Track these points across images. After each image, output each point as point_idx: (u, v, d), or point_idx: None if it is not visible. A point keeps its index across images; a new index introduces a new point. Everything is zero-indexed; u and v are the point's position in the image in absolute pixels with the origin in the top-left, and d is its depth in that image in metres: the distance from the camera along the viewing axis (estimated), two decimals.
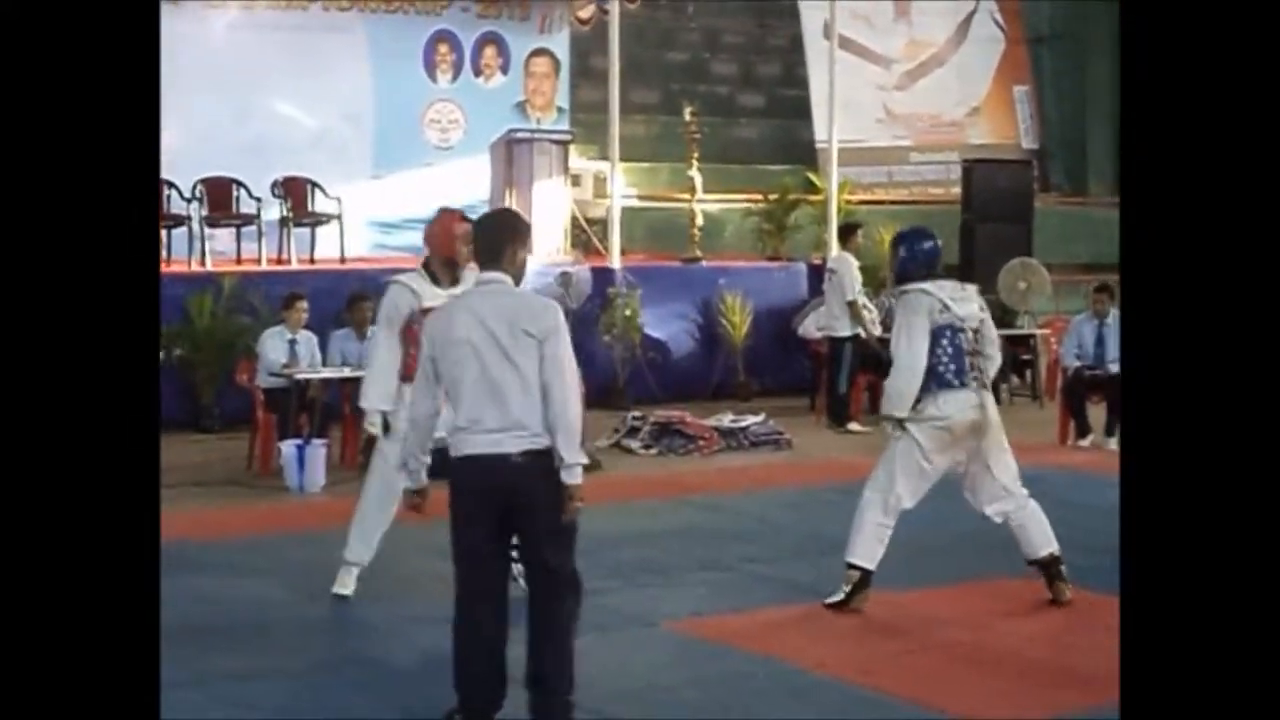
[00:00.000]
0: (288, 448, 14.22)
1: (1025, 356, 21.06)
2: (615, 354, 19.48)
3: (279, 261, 20.18)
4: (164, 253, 18.21)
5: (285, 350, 15.32)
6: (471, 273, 9.56)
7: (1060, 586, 9.77)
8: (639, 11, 23.62)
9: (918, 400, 9.57)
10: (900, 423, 9.63)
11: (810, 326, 20.07)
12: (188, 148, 19.90)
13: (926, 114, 32.21)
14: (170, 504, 9.31)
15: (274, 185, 20.83)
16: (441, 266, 9.79)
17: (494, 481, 6.98)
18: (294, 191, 21.07)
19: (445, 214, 10.37)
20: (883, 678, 8.40)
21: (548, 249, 20.54)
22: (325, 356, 15.59)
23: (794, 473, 15.32)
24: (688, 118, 22.21)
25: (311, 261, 20.44)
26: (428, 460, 7.35)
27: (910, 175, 31.64)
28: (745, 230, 24.18)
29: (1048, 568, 9.81)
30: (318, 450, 14.24)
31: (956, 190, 24.93)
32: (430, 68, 24.67)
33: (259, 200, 20.30)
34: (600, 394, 18.55)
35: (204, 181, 20.20)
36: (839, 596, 9.65)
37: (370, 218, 23.24)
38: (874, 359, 17.43)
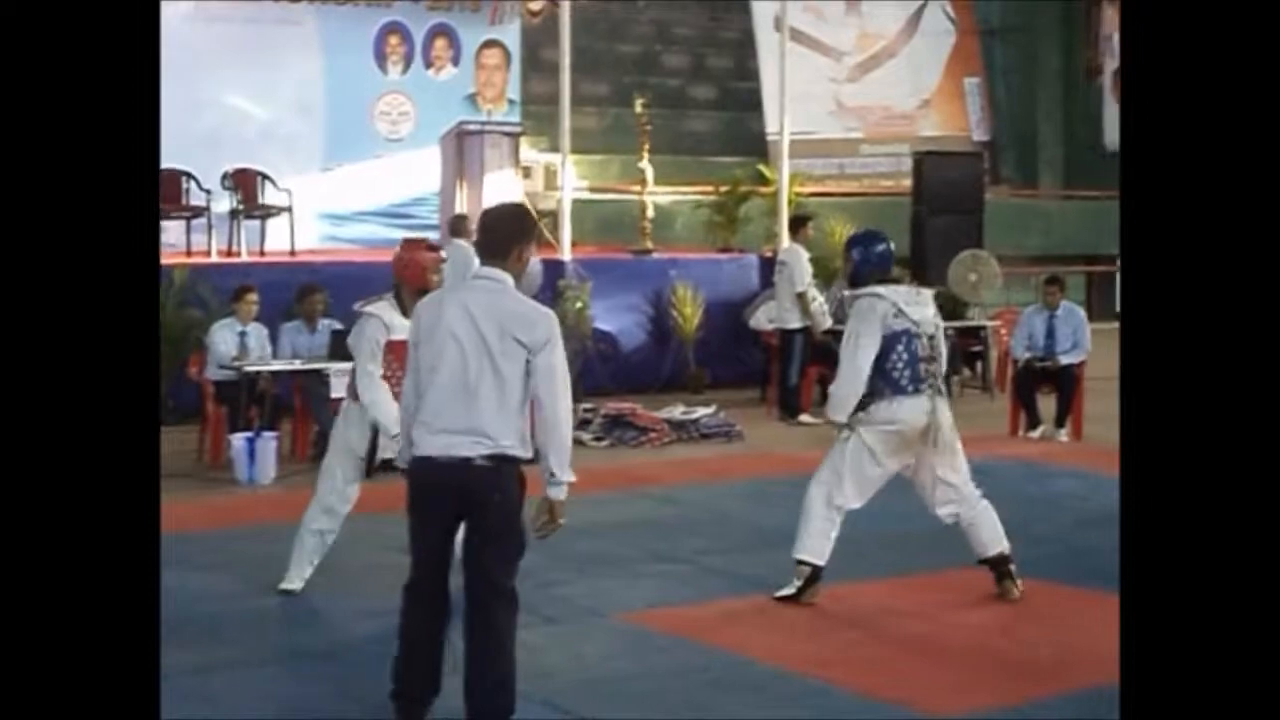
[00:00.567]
0: (238, 440, 14.19)
1: (976, 348, 21.14)
2: (566, 346, 19.38)
3: (229, 254, 20.13)
4: None
5: (235, 343, 15.27)
6: None
7: (1008, 585, 9.78)
8: (590, 4, 23.70)
9: (870, 403, 9.56)
10: (844, 426, 9.63)
11: (761, 318, 20.12)
12: None
13: (877, 106, 32.30)
14: None
15: (224, 177, 20.76)
16: (412, 297, 9.71)
17: (452, 484, 6.86)
18: (244, 184, 21.00)
19: (413, 244, 10.33)
20: (835, 669, 8.41)
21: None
22: (276, 349, 15.55)
23: (745, 464, 15.34)
24: (639, 110, 22.21)
25: (262, 254, 20.39)
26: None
27: (861, 167, 31.72)
28: (696, 222, 24.20)
29: (997, 566, 9.82)
30: (268, 443, 14.21)
31: (907, 182, 25.00)
32: (381, 59, 24.68)
33: (209, 192, 20.24)
34: None
35: None
36: (790, 590, 9.65)
37: (321, 210, 23.24)
38: (824, 351, 17.46)
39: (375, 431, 9.65)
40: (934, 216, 22.85)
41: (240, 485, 13.87)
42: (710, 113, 31.66)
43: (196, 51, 22.10)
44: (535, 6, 24.95)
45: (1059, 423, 16.96)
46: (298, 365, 15.18)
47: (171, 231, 20.01)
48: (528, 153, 23.33)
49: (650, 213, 21.97)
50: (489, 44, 25.59)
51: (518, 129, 22.44)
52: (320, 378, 14.84)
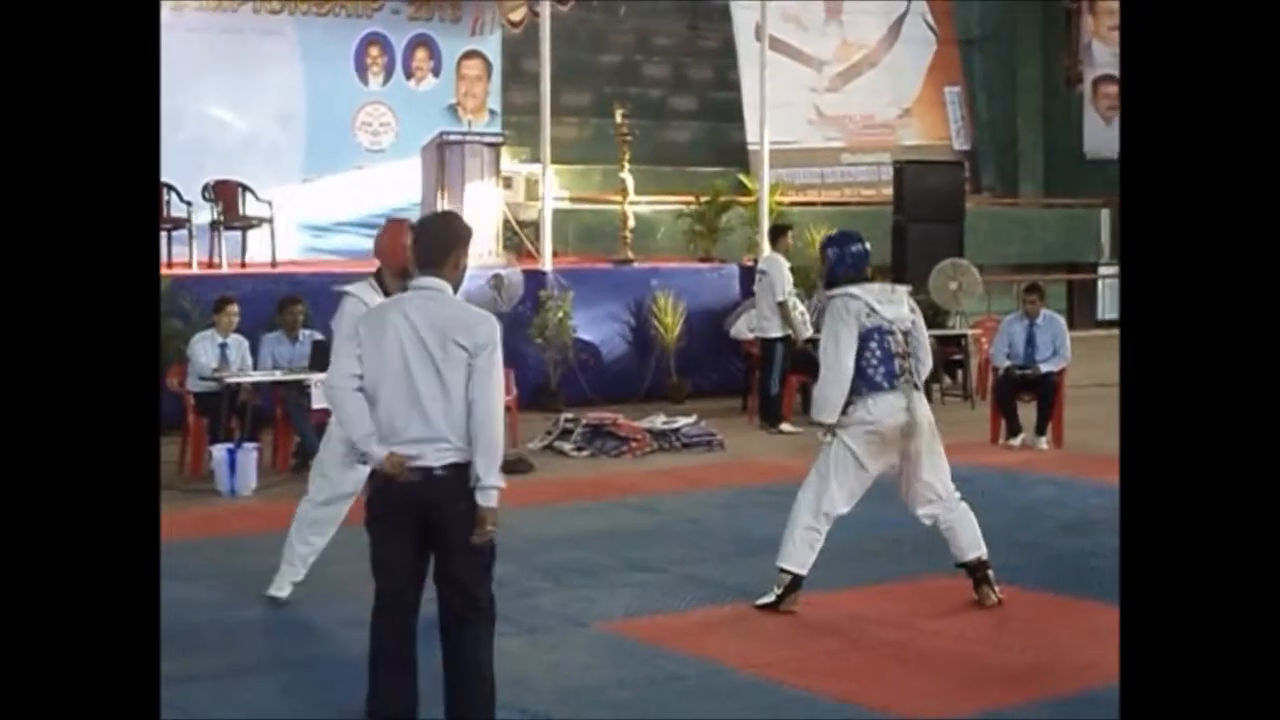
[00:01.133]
0: (219, 451, 14.18)
1: (956, 356, 21.16)
2: (547, 356, 19.48)
3: (210, 265, 20.10)
4: None
5: (216, 354, 15.26)
6: None
7: (985, 590, 9.80)
8: (571, 14, 23.63)
9: (848, 404, 9.58)
10: (830, 428, 9.65)
11: (742, 328, 20.12)
12: None
13: (858, 115, 32.32)
14: None
15: (205, 188, 20.75)
16: (393, 278, 9.71)
17: (413, 495, 6.80)
18: (225, 195, 20.99)
19: (394, 224, 10.29)
20: (814, 677, 8.42)
21: (479, 251, 20.45)
22: (256, 360, 15.54)
23: (726, 474, 15.34)
24: (619, 120, 22.23)
25: (243, 265, 20.37)
26: (371, 429, 6.91)
27: (842, 176, 31.74)
28: (677, 232, 24.21)
29: (975, 571, 9.84)
30: (249, 454, 14.20)
31: (888, 191, 25.07)
32: (361, 70, 24.67)
33: (190, 204, 20.22)
34: (533, 396, 18.59)
35: None
36: (770, 599, 9.67)
37: (302, 220, 23.23)
38: (805, 360, 17.48)
39: None
40: (914, 225, 22.89)
41: (221, 496, 13.86)
42: (691, 122, 31.69)
43: (176, 62, 21.96)
44: (516, 17, 24.93)
45: (1039, 430, 16.99)
46: (278, 376, 15.17)
47: None
48: (509, 163, 23.31)
49: (631, 222, 21.98)
50: (470, 54, 25.60)
51: (499, 139, 22.42)
52: (301, 388, 14.84)
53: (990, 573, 9.82)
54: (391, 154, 24.36)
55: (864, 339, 9.51)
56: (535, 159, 22.29)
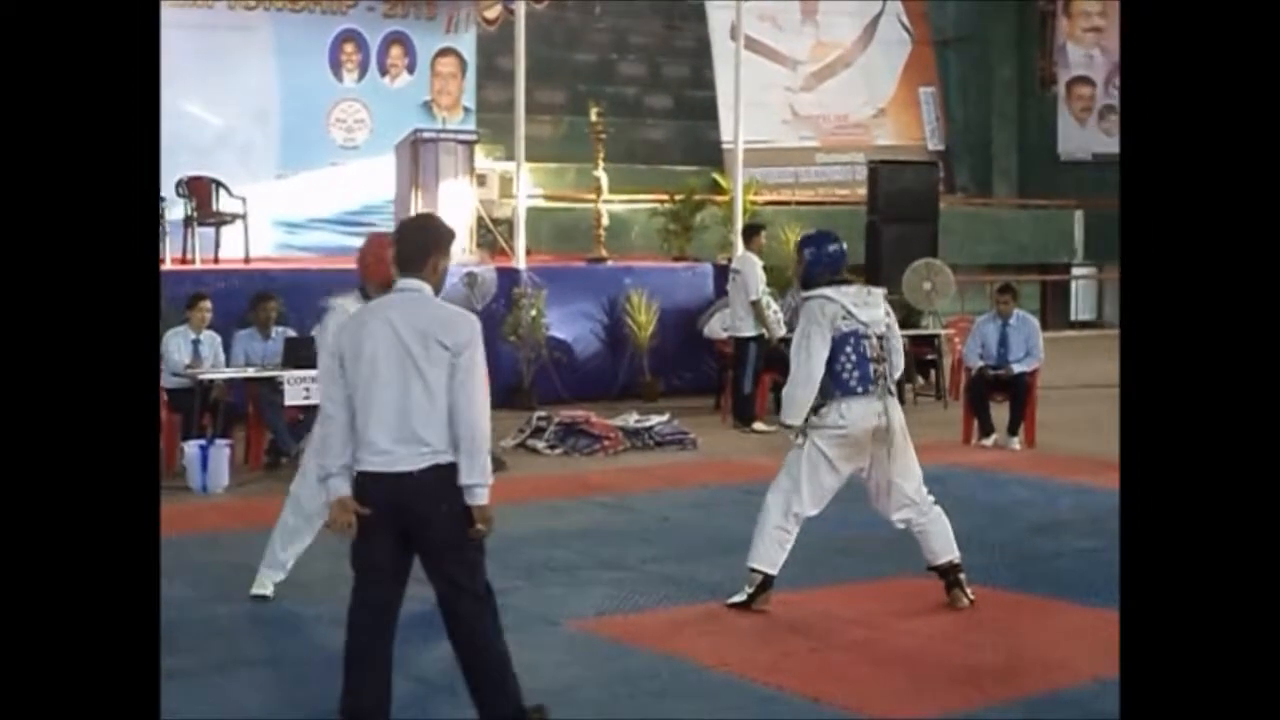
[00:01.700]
0: (191, 448, 14.14)
1: (929, 356, 21.19)
2: (521, 354, 19.46)
3: (183, 261, 20.05)
4: None
5: (189, 350, 15.24)
6: None
7: (957, 594, 9.79)
8: (546, 12, 23.61)
9: (821, 406, 9.57)
10: (798, 430, 9.65)
11: (715, 326, 20.13)
12: None
13: (833, 115, 32.38)
14: None
15: (178, 184, 20.70)
16: (376, 291, 9.69)
17: (394, 498, 6.79)
18: (198, 191, 20.95)
19: (376, 239, 10.29)
20: (785, 676, 8.42)
21: (453, 249, 20.45)
22: (229, 356, 15.52)
23: (699, 472, 15.35)
24: (594, 118, 22.22)
25: (216, 261, 20.33)
26: (346, 461, 6.94)
27: (816, 176, 31.80)
28: (651, 230, 24.20)
29: (947, 575, 9.83)
30: (221, 451, 14.17)
31: (862, 191, 25.06)
32: (336, 67, 24.63)
33: (163, 200, 20.06)
34: (506, 394, 18.57)
35: None
36: (741, 598, 9.67)
37: (275, 217, 23.17)
38: (778, 359, 17.50)
39: None
40: (888, 225, 22.90)
41: (193, 493, 13.82)
42: (665, 121, 31.72)
43: None
44: (491, 14, 24.91)
45: (1012, 431, 17.01)
46: (251, 373, 15.16)
47: None
48: (483, 161, 23.27)
49: (605, 221, 21.97)
50: (444, 52, 25.57)
51: (473, 137, 22.38)
52: (274, 385, 14.82)
53: (962, 576, 9.82)
54: (366, 151, 24.32)
55: (839, 343, 9.49)
56: (510, 157, 22.27)
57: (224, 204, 21.10)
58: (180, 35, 22.34)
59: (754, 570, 9.67)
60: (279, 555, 9.97)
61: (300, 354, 14.86)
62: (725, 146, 27.73)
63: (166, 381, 15.02)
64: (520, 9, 21.06)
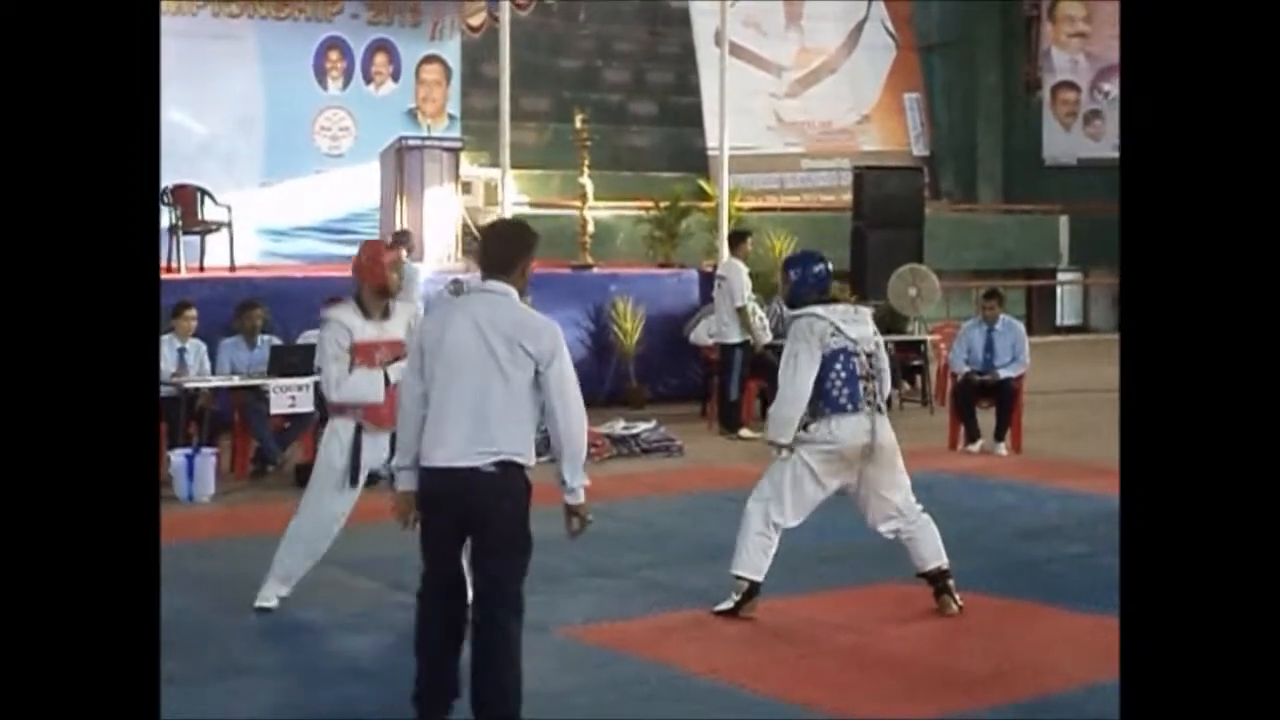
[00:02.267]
0: (176, 457, 14.11)
1: (915, 362, 21.20)
2: None
3: (168, 270, 19.95)
4: None
5: (174, 359, 15.20)
6: (403, 304, 9.62)
7: (946, 600, 9.78)
8: (530, 18, 23.67)
9: (810, 423, 9.56)
10: (784, 447, 9.63)
11: (701, 333, 20.13)
12: None
13: (818, 121, 32.43)
14: None
15: (163, 193, 20.62)
16: (373, 297, 9.71)
17: (458, 492, 6.94)
18: (183, 199, 20.89)
19: (373, 244, 10.34)
20: (773, 682, 8.41)
21: (439, 256, 20.46)
22: (214, 365, 15.50)
23: (685, 479, 15.34)
24: (579, 125, 22.21)
25: (201, 269, 20.28)
26: (414, 459, 7.14)
27: (801, 182, 31.84)
28: (637, 237, 24.23)
29: (936, 581, 9.82)
30: (207, 459, 14.14)
31: (847, 197, 25.09)
32: (321, 75, 24.64)
33: (159, 207, 20.11)
34: None
35: None
36: (728, 605, 9.65)
37: (260, 225, 23.17)
38: (764, 365, 17.50)
39: (357, 444, 9.64)
40: (874, 231, 22.91)
41: (179, 502, 13.79)
42: (650, 128, 31.76)
43: None
44: (475, 21, 24.92)
45: (998, 436, 17.01)
46: (237, 381, 15.13)
47: None
48: (468, 168, 23.29)
49: (590, 228, 21.95)
50: (429, 59, 25.58)
51: (458, 144, 22.38)
52: (259, 394, 14.81)
53: (951, 582, 9.81)
54: (350, 159, 24.34)
55: (829, 360, 9.47)
56: (494, 164, 22.30)
57: (209, 212, 21.05)
58: (164, 43, 22.04)
59: (739, 578, 9.66)
60: (286, 566, 9.91)
61: (286, 362, 14.86)
62: (710, 153, 27.76)
63: None
64: (505, 15, 21.06)
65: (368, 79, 25.04)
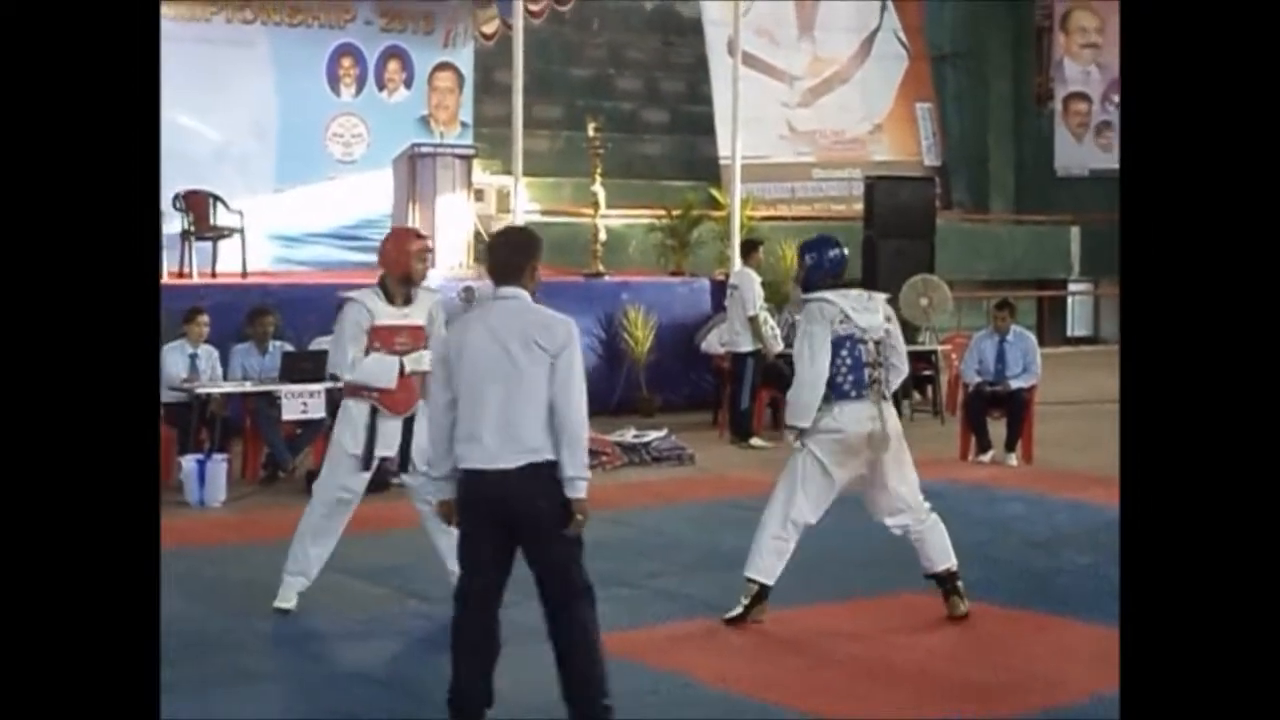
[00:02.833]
0: (188, 462, 14.13)
1: (927, 372, 21.14)
2: None
3: (180, 275, 20.04)
4: None
5: (186, 364, 15.22)
6: (425, 291, 9.68)
7: (955, 601, 9.79)
8: (543, 27, 23.66)
9: (815, 411, 9.58)
10: (801, 434, 9.64)
11: (713, 342, 20.12)
12: None
13: (830, 130, 32.36)
14: None
15: (176, 198, 20.70)
16: (396, 284, 9.80)
17: (496, 495, 7.09)
18: (196, 205, 20.95)
19: (400, 231, 10.44)
20: (784, 692, 8.41)
21: (450, 263, 20.49)
22: (226, 371, 15.52)
23: (696, 488, 15.33)
24: (591, 133, 22.20)
25: (213, 275, 20.33)
26: (450, 468, 7.30)
27: (813, 191, 31.78)
28: (648, 245, 24.22)
29: (944, 582, 9.83)
30: (218, 465, 14.17)
31: (859, 206, 25.02)
32: (334, 81, 24.63)
33: (160, 214, 20.11)
34: None
35: None
36: (737, 610, 9.65)
37: (273, 231, 23.17)
38: (776, 374, 17.51)
39: (371, 429, 9.67)
40: (885, 241, 22.85)
41: (190, 507, 13.81)
42: (662, 136, 31.72)
43: None
44: (489, 29, 24.94)
45: (1009, 447, 17.00)
46: (248, 387, 15.15)
47: None
48: (480, 175, 23.30)
49: (602, 236, 21.93)
50: (442, 66, 25.57)
51: (470, 151, 22.41)
52: (271, 400, 14.84)
53: (960, 584, 9.82)
54: (363, 165, 24.33)
55: (835, 346, 9.48)
56: (507, 171, 22.29)
57: (221, 218, 21.10)
58: (178, 49, 22.30)
59: (750, 580, 9.66)
60: (299, 562, 9.92)
61: (297, 368, 14.88)
62: (722, 162, 27.71)
63: (164, 396, 14.98)
64: (518, 23, 21.05)
65: (381, 86, 25.03)
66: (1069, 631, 9.69)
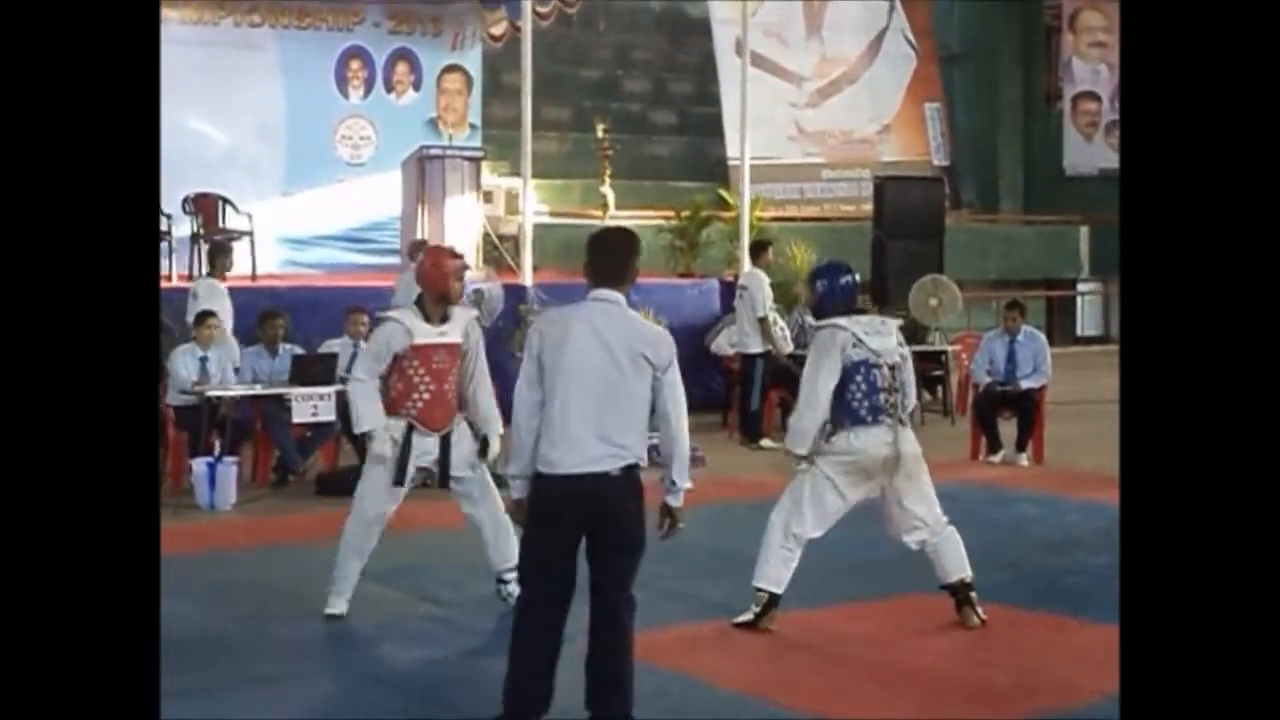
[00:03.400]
0: (199, 466, 14.14)
1: (937, 373, 21.15)
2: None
3: (189, 278, 20.02)
4: None
5: (196, 368, 15.22)
6: (462, 310, 9.69)
7: (968, 612, 9.75)
8: (552, 28, 23.68)
9: (832, 434, 9.55)
10: (803, 458, 9.63)
11: (723, 343, 20.12)
12: None
13: (838, 131, 32.37)
14: None
15: (185, 201, 20.73)
16: (434, 303, 9.83)
17: (592, 498, 7.16)
18: (205, 208, 20.97)
19: (437, 251, 10.45)
20: (794, 695, 8.41)
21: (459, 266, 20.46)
22: (236, 374, 15.51)
23: (706, 489, 15.16)
24: (600, 134, 22.25)
25: (223, 278, 20.30)
26: (528, 468, 7.33)
27: (822, 192, 31.78)
28: (658, 247, 24.16)
29: (958, 593, 9.81)
30: (229, 468, 14.17)
31: (868, 207, 25.05)
32: (342, 84, 24.66)
33: (170, 217, 20.10)
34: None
35: None
36: (747, 617, 9.64)
37: (282, 234, 23.20)
38: (786, 375, 17.50)
39: (407, 443, 9.69)
40: (895, 241, 22.85)
41: (201, 510, 13.81)
42: (671, 137, 31.74)
43: None
44: (497, 31, 24.98)
45: (1020, 447, 17.01)
46: (259, 390, 15.15)
47: None
48: (489, 177, 23.28)
49: None
50: (450, 68, 25.60)
51: (479, 154, 22.40)
52: (281, 402, 14.85)
53: (974, 594, 9.79)
54: (372, 168, 24.37)
55: (850, 371, 9.45)
56: (516, 173, 22.27)
57: (230, 221, 21.14)
58: (186, 53, 22.41)
59: (759, 589, 9.66)
60: (343, 571, 9.95)
61: (307, 371, 14.89)
62: (731, 162, 27.71)
63: (174, 399, 15.02)
64: (527, 25, 21.03)
65: (389, 88, 25.07)
66: (1081, 632, 9.67)
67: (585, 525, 7.20)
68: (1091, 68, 34.56)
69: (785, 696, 8.36)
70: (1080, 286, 35.39)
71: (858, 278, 10.08)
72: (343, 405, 14.76)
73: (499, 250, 21.70)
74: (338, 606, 9.86)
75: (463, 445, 9.83)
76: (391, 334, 9.75)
